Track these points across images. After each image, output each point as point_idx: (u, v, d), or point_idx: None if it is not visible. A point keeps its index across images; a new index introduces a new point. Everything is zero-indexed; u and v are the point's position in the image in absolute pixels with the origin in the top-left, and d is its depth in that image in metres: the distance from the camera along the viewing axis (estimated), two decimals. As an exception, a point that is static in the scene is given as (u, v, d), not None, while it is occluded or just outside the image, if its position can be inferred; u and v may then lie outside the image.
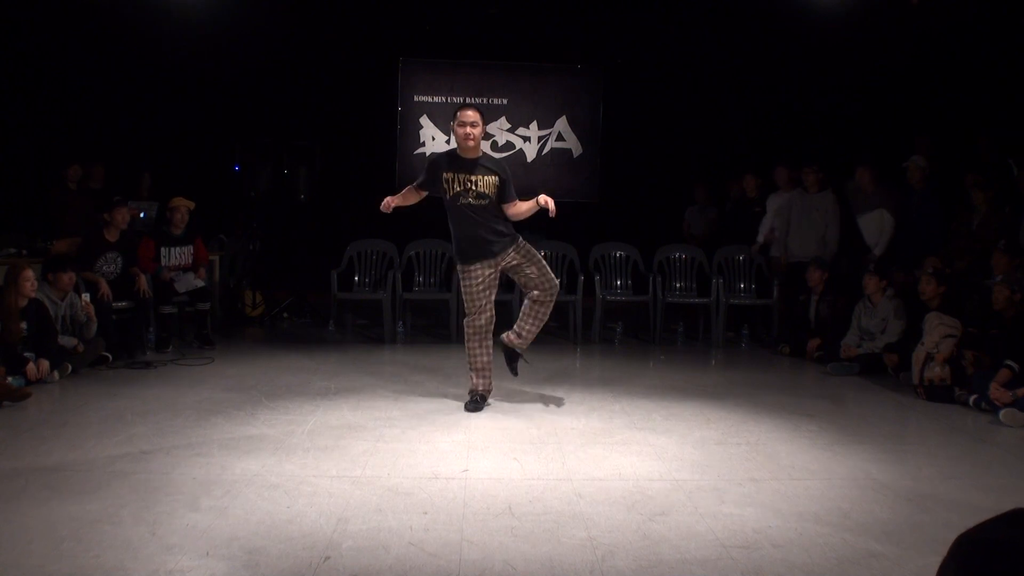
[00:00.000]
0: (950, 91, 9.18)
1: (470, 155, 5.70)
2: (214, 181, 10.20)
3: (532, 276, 5.72)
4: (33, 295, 6.36)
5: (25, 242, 7.84)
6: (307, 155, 9.99)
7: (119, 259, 7.74)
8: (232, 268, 9.99)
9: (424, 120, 10.65)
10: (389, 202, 5.81)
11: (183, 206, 8.20)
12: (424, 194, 5.90)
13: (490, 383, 5.95)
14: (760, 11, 9.57)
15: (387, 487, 4.17)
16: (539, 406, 5.99)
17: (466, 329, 5.85)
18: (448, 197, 5.67)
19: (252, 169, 9.80)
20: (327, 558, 3.34)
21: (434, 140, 10.60)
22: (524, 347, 5.97)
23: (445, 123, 10.61)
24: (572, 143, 10.71)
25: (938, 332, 6.52)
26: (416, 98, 10.68)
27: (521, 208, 5.77)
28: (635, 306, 9.40)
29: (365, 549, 3.43)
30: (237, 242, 9.99)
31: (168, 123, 10.47)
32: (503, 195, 5.73)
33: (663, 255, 9.34)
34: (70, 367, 6.59)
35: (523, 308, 5.90)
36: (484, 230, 5.66)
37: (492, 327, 5.85)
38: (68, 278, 6.79)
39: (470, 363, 5.91)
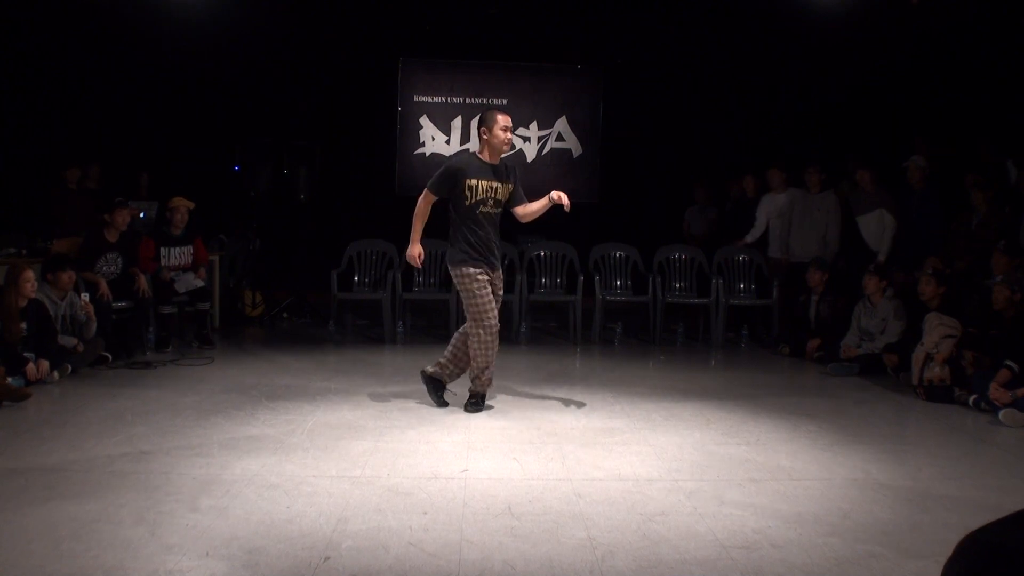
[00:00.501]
0: (950, 91, 9.18)
1: (496, 160, 5.69)
2: (214, 181, 10.19)
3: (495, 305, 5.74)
4: (33, 295, 6.36)
5: (25, 242, 7.84)
6: (307, 155, 9.99)
7: (119, 259, 7.74)
8: (232, 268, 9.98)
9: (424, 120, 10.64)
10: (415, 254, 5.74)
11: (183, 206, 8.20)
12: (433, 200, 5.77)
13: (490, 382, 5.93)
14: (760, 11, 9.57)
15: (387, 487, 4.17)
16: (539, 406, 5.99)
17: (476, 333, 5.68)
18: (467, 204, 5.59)
19: (252, 169, 9.80)
20: (327, 558, 3.34)
21: (434, 140, 10.59)
22: (448, 379, 5.95)
23: (445, 123, 10.61)
24: (572, 143, 10.71)
25: (938, 332, 6.52)
26: (416, 98, 10.67)
27: (532, 208, 5.76)
28: (635, 306, 9.39)
29: (365, 549, 3.43)
30: (237, 242, 9.99)
31: (168, 123, 10.47)
32: (513, 201, 5.76)
33: (663, 255, 9.34)
34: (70, 367, 6.58)
35: (454, 339, 5.87)
36: (495, 237, 5.68)
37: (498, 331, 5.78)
38: (68, 278, 6.79)
39: (475, 365, 5.79)
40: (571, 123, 10.70)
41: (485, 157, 5.68)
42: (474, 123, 10.51)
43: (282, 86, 10.65)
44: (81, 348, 6.74)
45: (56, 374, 6.40)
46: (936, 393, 6.34)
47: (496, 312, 5.70)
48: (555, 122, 10.69)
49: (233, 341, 8.64)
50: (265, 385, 6.45)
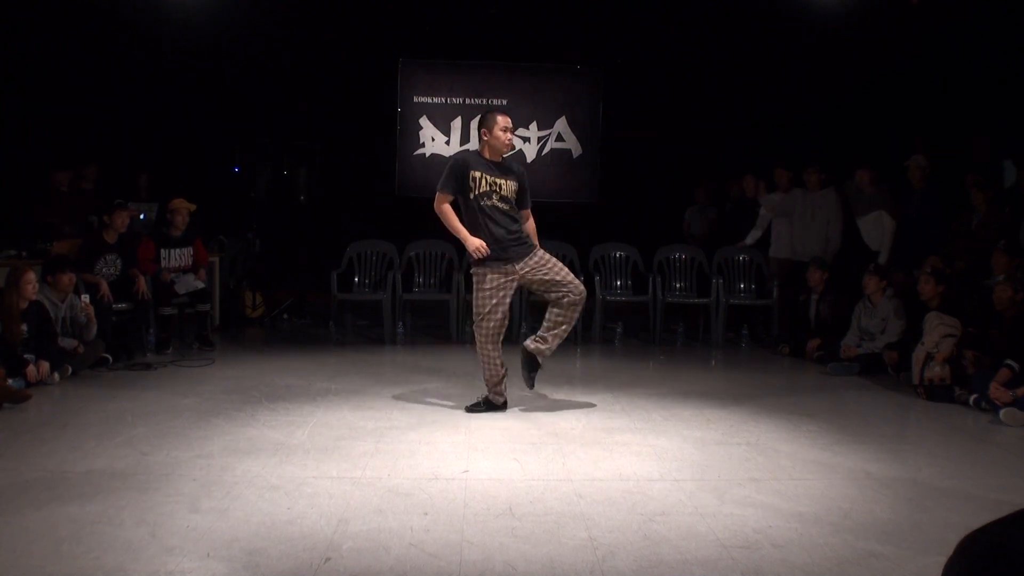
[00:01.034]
0: (950, 91, 9.18)
1: (498, 158, 5.71)
2: (214, 182, 10.20)
3: (555, 280, 5.66)
4: (34, 297, 6.36)
5: (25, 244, 7.84)
6: (307, 156, 10.00)
7: (118, 261, 7.74)
8: (232, 269, 9.99)
9: (424, 121, 10.65)
10: (478, 245, 5.60)
11: (184, 208, 8.20)
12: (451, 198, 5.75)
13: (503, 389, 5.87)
14: (760, 11, 9.57)
15: (387, 488, 4.17)
16: (539, 407, 5.99)
17: (476, 333, 5.74)
18: (472, 196, 5.60)
19: (252, 170, 9.81)
20: (327, 559, 3.34)
21: (434, 141, 10.59)
22: (547, 355, 5.88)
23: (445, 124, 10.61)
24: (572, 143, 10.71)
25: (938, 332, 6.52)
26: (416, 99, 10.67)
27: (530, 228, 5.84)
28: (635, 306, 9.40)
29: (365, 550, 3.43)
30: (237, 243, 9.99)
31: (167, 123, 10.47)
32: (521, 201, 5.77)
33: (663, 255, 9.34)
34: (70, 369, 6.58)
35: (548, 316, 5.80)
36: (505, 232, 5.62)
37: (503, 332, 5.73)
38: (68, 279, 6.79)
39: (484, 367, 5.78)
40: (571, 123, 10.71)
41: (486, 155, 5.71)
42: (474, 124, 10.56)
43: (282, 86, 10.66)
44: (81, 350, 6.74)
45: (56, 376, 6.40)
46: (936, 392, 6.34)
47: (497, 316, 5.64)
48: (555, 122, 10.69)
49: (233, 342, 8.65)
50: (265, 386, 6.45)
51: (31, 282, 6.31)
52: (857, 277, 7.81)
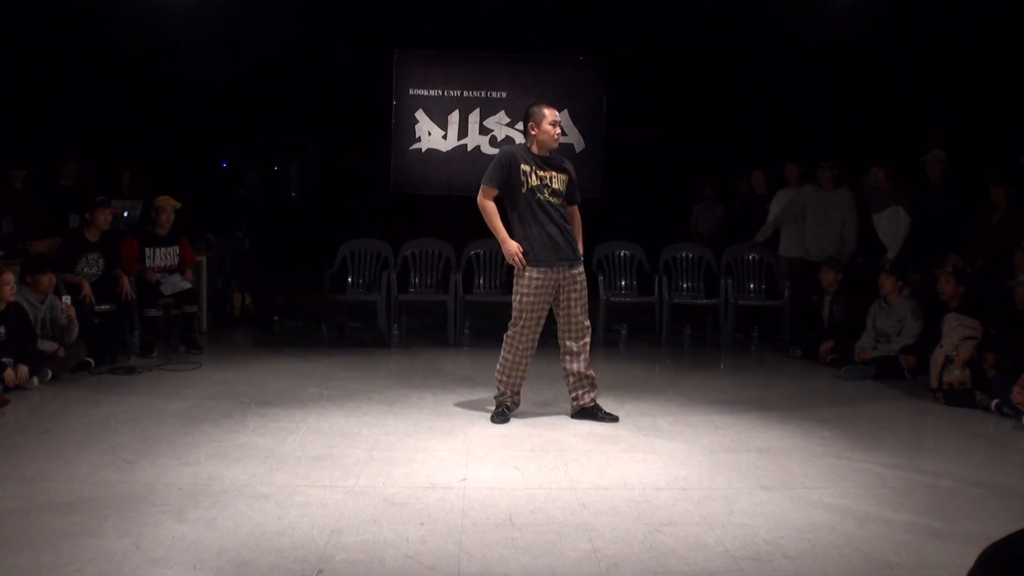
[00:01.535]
0: (970, 83, 9.16)
1: (546, 152, 5.70)
2: (201, 178, 10.19)
3: (573, 312, 5.67)
4: (12, 299, 6.35)
5: (2, 243, 7.83)
6: (298, 151, 10.01)
7: (101, 260, 7.73)
8: (220, 269, 9.98)
9: (420, 115, 10.65)
10: (514, 250, 5.57)
11: (169, 206, 8.19)
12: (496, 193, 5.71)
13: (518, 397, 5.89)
14: (770, 0, 9.57)
15: (382, 497, 4.17)
16: (540, 412, 5.98)
17: (508, 335, 5.70)
18: (523, 191, 5.57)
19: (241, 165, 9.81)
20: (320, 571, 3.33)
21: (430, 135, 10.60)
22: (588, 398, 5.85)
23: (442, 118, 10.62)
24: (574, 138, 10.71)
25: (957, 334, 6.51)
26: (412, 92, 10.68)
27: (576, 228, 5.81)
28: (640, 307, 9.38)
29: (359, 562, 3.42)
30: (225, 242, 9.98)
31: (151, 117, 10.45)
32: (571, 195, 5.77)
33: (669, 254, 9.34)
34: (50, 373, 6.57)
35: (563, 365, 5.81)
36: (558, 230, 5.60)
37: (535, 343, 5.72)
38: (48, 280, 6.79)
39: (502, 372, 5.77)
40: (573, 117, 10.71)
41: (535, 151, 5.69)
42: (472, 117, 10.65)
43: (272, 79, 10.64)
44: (62, 353, 6.73)
45: (36, 380, 6.39)
46: (956, 397, 6.34)
47: (531, 323, 5.61)
48: (557, 116, 10.68)
49: (221, 345, 8.64)
50: (255, 391, 6.44)
51: (9, 283, 6.30)
52: (872, 276, 7.81)
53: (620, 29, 10.66)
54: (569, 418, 5.82)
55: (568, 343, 5.76)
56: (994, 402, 6.06)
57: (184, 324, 8.24)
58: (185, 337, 8.16)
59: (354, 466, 4.66)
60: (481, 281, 9.10)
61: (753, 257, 9.24)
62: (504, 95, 10.52)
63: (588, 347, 5.81)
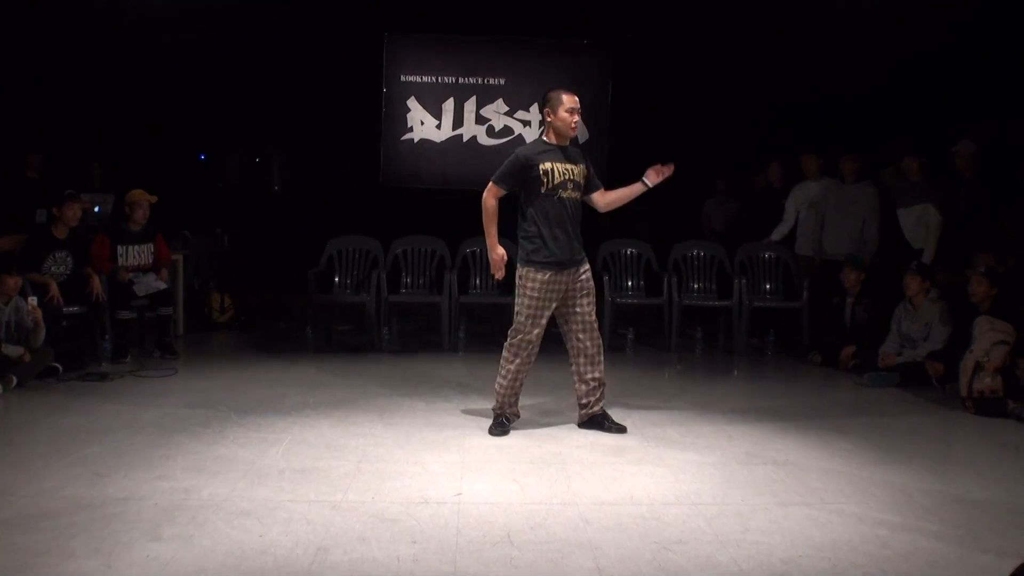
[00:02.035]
0: (1005, 67, 9.12)
1: (566, 143, 5.74)
2: (177, 170, 10.18)
3: (585, 311, 5.70)
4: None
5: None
6: (281, 141, 10.00)
7: (69, 258, 7.73)
8: (197, 268, 9.99)
9: (412, 103, 10.63)
10: (499, 258, 5.66)
11: (143, 200, 8.19)
12: (501, 194, 5.74)
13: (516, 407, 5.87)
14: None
15: (371, 513, 4.17)
16: (541, 422, 5.98)
17: (508, 342, 5.69)
18: (544, 190, 5.58)
19: (220, 157, 9.80)
20: (304, 593, 3.33)
21: (423, 125, 10.58)
22: (597, 405, 5.88)
23: (435, 106, 10.60)
24: (578, 128, 10.68)
25: (988, 338, 6.51)
26: (403, 78, 10.66)
27: (617, 195, 5.94)
28: (648, 309, 9.38)
29: (347, 583, 3.42)
30: (203, 239, 9.99)
31: (122, 105, 10.43)
32: (590, 187, 5.84)
33: (679, 253, 9.34)
34: (15, 379, 6.57)
35: (574, 373, 5.85)
36: (575, 229, 5.66)
37: (535, 351, 5.70)
38: (14, 282, 6.77)
39: (503, 381, 5.74)
40: (577, 105, 10.68)
41: (552, 140, 5.71)
42: (468, 106, 10.63)
43: (254, 65, 10.63)
44: (28, 358, 6.72)
45: (0, 387, 6.40)
46: (987, 406, 6.34)
47: (538, 330, 5.62)
48: (559, 104, 10.67)
49: (199, 350, 8.64)
50: (235, 399, 6.44)
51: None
52: (897, 277, 7.80)
53: (628, 11, 10.64)
54: (571, 428, 5.82)
55: (583, 345, 5.76)
56: (1028, 411, 6.07)
57: (159, 327, 8.23)
58: (160, 341, 8.15)
59: (341, 480, 4.66)
60: (477, 281, 9.10)
61: (769, 256, 9.24)
62: (502, 82, 10.51)
63: (602, 350, 5.84)
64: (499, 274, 5.76)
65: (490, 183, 5.66)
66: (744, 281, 8.96)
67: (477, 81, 10.49)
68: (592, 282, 5.80)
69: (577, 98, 5.75)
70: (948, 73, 9.58)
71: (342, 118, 10.93)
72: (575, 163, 5.71)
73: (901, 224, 8.44)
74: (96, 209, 9.06)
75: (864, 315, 8.07)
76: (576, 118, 5.71)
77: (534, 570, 3.57)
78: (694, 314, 9.32)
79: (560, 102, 5.68)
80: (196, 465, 4.86)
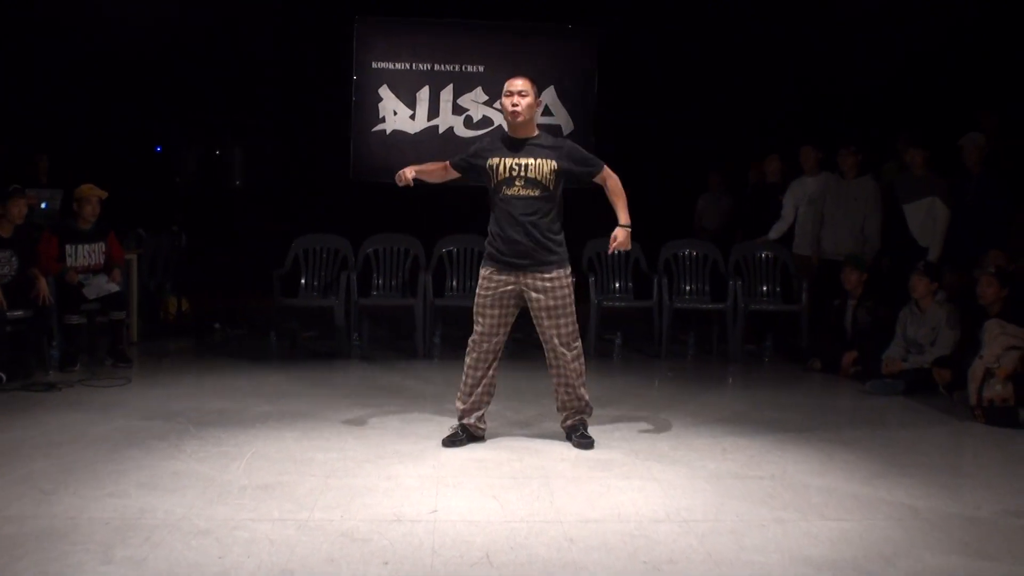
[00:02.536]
0: (1015, 56, 9.17)
1: (521, 133, 5.63)
2: (130, 164, 10.12)
3: (543, 333, 5.66)
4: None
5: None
6: (243, 133, 9.96)
7: (14, 259, 7.67)
8: (153, 269, 9.94)
9: (384, 91, 10.62)
10: (405, 173, 5.65)
11: (94, 196, 8.15)
12: (454, 175, 5.79)
13: (480, 416, 5.79)
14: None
15: (340, 532, 4.16)
16: (522, 433, 5.99)
17: (469, 343, 5.72)
18: (492, 185, 5.59)
19: (177, 149, 9.75)
20: (267, 619, 3.32)
21: (396, 115, 10.57)
22: (573, 414, 5.85)
23: (409, 95, 10.59)
24: (562, 118, 10.71)
25: (999, 343, 6.55)
26: (374, 64, 10.64)
27: (613, 194, 6.01)
28: (637, 313, 9.40)
29: (313, 607, 3.41)
30: (159, 238, 9.95)
31: (72, 93, 10.37)
32: (578, 178, 5.74)
33: (670, 252, 9.36)
34: (-45, 390, 6.54)
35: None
36: (525, 233, 5.49)
37: (492, 350, 5.65)
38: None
39: (461, 384, 5.76)
40: (560, 94, 10.70)
41: (509, 131, 5.69)
42: (444, 94, 10.63)
43: (214, 50, 10.59)
44: (-31, 367, 6.70)
45: (-61, 398, 6.36)
46: (997, 415, 6.37)
47: (496, 338, 5.60)
48: (541, 93, 10.66)
49: (154, 357, 8.61)
50: (193, 410, 6.42)
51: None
52: (901, 277, 7.83)
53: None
54: (554, 441, 5.81)
55: (555, 370, 5.76)
56: (1041, 421, 6.11)
57: (111, 333, 8.18)
58: (112, 348, 8.11)
59: (307, 497, 4.64)
60: (454, 283, 9.09)
61: (766, 255, 9.27)
62: (481, 69, 10.51)
63: (580, 365, 5.77)
64: (406, 179, 5.64)
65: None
66: (739, 283, 8.97)
67: (454, 68, 10.48)
68: (564, 300, 5.60)
69: (521, 80, 5.60)
70: (956, 59, 9.63)
71: (309, 108, 10.91)
72: (534, 157, 5.54)
73: (908, 221, 8.44)
74: (43, 205, 9.00)
75: (866, 319, 8.11)
76: (514, 100, 5.53)
77: (515, 593, 3.57)
78: (686, 318, 9.34)
79: (504, 88, 5.65)
80: (151, 481, 4.83)
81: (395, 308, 9.25)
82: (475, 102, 10.52)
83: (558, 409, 5.86)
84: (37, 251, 7.87)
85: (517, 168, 5.53)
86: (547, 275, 5.55)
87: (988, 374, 6.50)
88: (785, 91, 10.76)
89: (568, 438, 5.79)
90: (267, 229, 10.34)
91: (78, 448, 5.43)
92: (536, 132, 5.69)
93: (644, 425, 6.24)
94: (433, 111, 10.48)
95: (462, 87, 10.53)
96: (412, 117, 10.57)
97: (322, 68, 10.79)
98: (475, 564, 3.83)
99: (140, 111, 10.32)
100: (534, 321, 5.67)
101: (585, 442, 5.70)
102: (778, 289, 9.22)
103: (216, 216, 10.54)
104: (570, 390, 5.74)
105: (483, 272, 5.64)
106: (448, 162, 5.80)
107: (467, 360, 5.72)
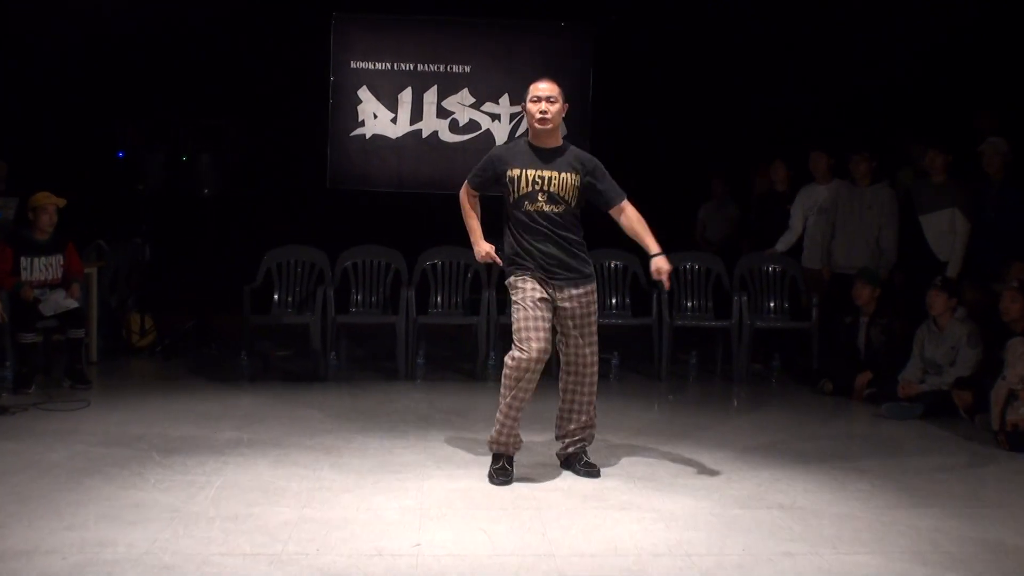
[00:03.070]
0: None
1: (546, 143, 5.61)
2: (91, 171, 10.10)
3: (572, 345, 5.70)
4: None
5: None
6: (212, 137, 9.94)
7: (-35, 273, 7.68)
8: (114, 284, 9.92)
9: (363, 93, 10.64)
10: (484, 252, 5.72)
11: (51, 205, 8.13)
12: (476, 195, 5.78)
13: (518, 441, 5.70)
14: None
15: (316, 567, 4.14)
16: (511, 461, 5.97)
17: (511, 367, 5.46)
18: (511, 201, 5.54)
19: (140, 155, 9.74)
20: (237, 662, 3.30)
21: (376, 118, 10.58)
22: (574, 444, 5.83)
23: (391, 97, 10.60)
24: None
25: None
26: (353, 64, 10.66)
27: (635, 230, 5.93)
28: (635, 331, 9.41)
29: (287, 649, 3.40)
30: (121, 250, 9.92)
31: (28, 96, 10.35)
32: (600, 200, 5.77)
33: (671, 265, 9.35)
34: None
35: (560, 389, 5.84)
36: (556, 247, 5.51)
37: (541, 368, 5.52)
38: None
39: (505, 412, 5.54)
40: (553, 96, 10.71)
41: (533, 139, 5.65)
42: (428, 97, 10.64)
43: (181, 48, 10.58)
44: (-85, 389, 6.68)
45: None
46: (1022, 440, 6.38)
47: (541, 339, 5.41)
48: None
49: (115, 379, 8.59)
50: (156, 436, 6.40)
51: None
52: (918, 293, 7.84)
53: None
54: (546, 468, 5.82)
55: (570, 385, 5.80)
56: (1068, 447, 6.12)
57: (69, 352, 8.17)
58: (70, 369, 8.09)
59: (281, 529, 4.63)
60: (439, 299, 9.08)
61: (773, 269, 9.28)
62: (467, 69, 10.53)
63: (596, 375, 5.87)
64: (494, 258, 5.72)
65: (465, 181, 5.71)
66: (744, 298, 8.99)
67: (439, 68, 10.51)
68: (592, 308, 5.72)
69: (548, 84, 5.59)
70: (976, 60, 9.66)
71: (283, 111, 10.89)
72: (558, 170, 5.53)
73: (925, 233, 8.42)
74: (-2, 215, 9.00)
75: (881, 337, 8.11)
76: (541, 107, 5.53)
77: (504, 633, 3.56)
78: (688, 336, 9.34)
79: (528, 91, 5.61)
80: (111, 513, 4.81)
81: (375, 326, 9.25)
82: (461, 105, 10.53)
83: (557, 436, 5.85)
84: (-11, 264, 7.87)
85: (540, 181, 5.50)
86: (582, 288, 5.65)
87: (1012, 396, 6.51)
88: (792, 91, 10.76)
89: (568, 466, 5.78)
90: (237, 241, 10.32)
91: (33, 476, 5.40)
92: (561, 142, 5.69)
93: (643, 452, 6.25)
94: (416, 114, 10.50)
95: (447, 88, 10.54)
96: (394, 120, 10.58)
97: (297, 68, 10.78)
98: (462, 602, 3.82)
99: (100, 113, 10.30)
100: (559, 330, 5.66)
101: (591, 471, 5.69)
102: (786, 305, 9.22)
103: (182, 227, 10.51)
104: (583, 399, 5.80)
105: (526, 276, 5.49)
106: (468, 187, 5.70)
107: (525, 378, 5.44)
